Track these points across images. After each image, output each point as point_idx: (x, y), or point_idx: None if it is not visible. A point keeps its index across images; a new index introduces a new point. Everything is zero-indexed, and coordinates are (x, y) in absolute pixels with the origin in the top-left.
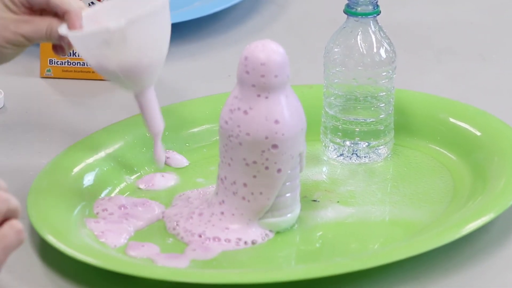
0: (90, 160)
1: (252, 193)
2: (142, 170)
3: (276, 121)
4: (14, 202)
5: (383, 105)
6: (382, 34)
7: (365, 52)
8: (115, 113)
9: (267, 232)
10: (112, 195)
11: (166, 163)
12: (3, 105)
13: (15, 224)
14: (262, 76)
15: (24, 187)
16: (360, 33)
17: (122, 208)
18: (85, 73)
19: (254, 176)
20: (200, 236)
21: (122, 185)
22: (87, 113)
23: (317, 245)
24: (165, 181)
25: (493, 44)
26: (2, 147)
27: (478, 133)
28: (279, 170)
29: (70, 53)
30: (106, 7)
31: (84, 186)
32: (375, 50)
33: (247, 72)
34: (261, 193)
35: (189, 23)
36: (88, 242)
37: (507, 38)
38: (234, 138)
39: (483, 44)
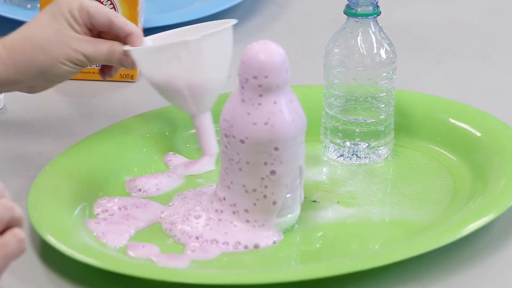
0: (91, 160)
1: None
2: (142, 171)
3: (276, 122)
4: (18, 210)
5: (383, 105)
6: (382, 35)
7: (365, 52)
8: (116, 113)
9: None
10: (112, 195)
11: (192, 171)
12: (3, 106)
13: (17, 233)
14: (263, 76)
15: (24, 188)
16: (360, 33)
17: (123, 209)
18: (86, 74)
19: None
20: (197, 238)
21: (122, 186)
22: (88, 113)
23: (317, 245)
24: (166, 182)
25: (493, 45)
26: (2, 147)
27: (478, 134)
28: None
29: None
30: (163, 36)
31: (84, 187)
32: (375, 50)
33: (247, 73)
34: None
35: (189, 23)
36: (88, 242)
37: (507, 39)
38: (234, 139)
39: (483, 45)
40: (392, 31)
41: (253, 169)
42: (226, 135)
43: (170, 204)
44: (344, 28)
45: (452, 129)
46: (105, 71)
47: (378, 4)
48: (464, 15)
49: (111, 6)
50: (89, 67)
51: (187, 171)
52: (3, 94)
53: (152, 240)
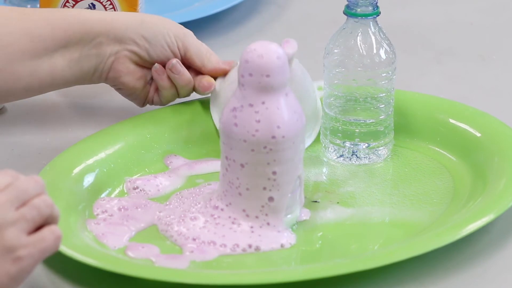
0: (90, 161)
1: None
2: (142, 171)
3: (276, 123)
4: (56, 209)
5: (382, 106)
6: (382, 35)
7: (364, 53)
8: (116, 114)
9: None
10: (112, 196)
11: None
12: (3, 106)
13: (55, 230)
14: (262, 77)
15: None
16: (359, 34)
17: (122, 210)
18: None
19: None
20: (194, 239)
21: (122, 186)
22: (88, 114)
23: (317, 245)
24: (167, 182)
25: (493, 45)
26: (2, 148)
27: (478, 134)
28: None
29: None
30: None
31: (84, 187)
32: (374, 51)
33: (247, 74)
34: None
35: (189, 24)
36: (88, 243)
37: (507, 39)
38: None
39: (483, 45)
40: (391, 31)
41: (254, 172)
42: (227, 136)
43: (167, 203)
44: (343, 28)
45: (452, 130)
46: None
47: (378, 4)
48: (463, 15)
49: (111, 6)
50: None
51: (189, 171)
52: None
53: (151, 240)
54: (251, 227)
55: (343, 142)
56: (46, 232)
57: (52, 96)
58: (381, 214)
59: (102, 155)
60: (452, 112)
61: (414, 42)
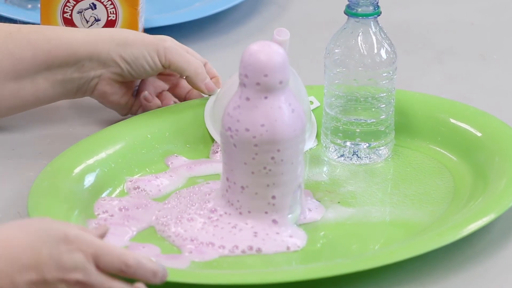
0: (91, 161)
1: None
2: (143, 171)
3: (275, 122)
4: None
5: (383, 106)
6: (383, 35)
7: (365, 53)
8: (116, 114)
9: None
10: (113, 196)
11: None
12: None
13: None
14: (263, 77)
15: (25, 188)
16: (360, 34)
17: (123, 210)
18: None
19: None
20: (192, 240)
21: (123, 186)
22: (88, 114)
23: (318, 245)
24: (168, 182)
25: (494, 45)
26: (2, 148)
27: (479, 134)
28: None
29: None
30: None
31: (85, 187)
32: (375, 51)
33: (247, 74)
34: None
35: (190, 24)
36: None
37: (508, 39)
38: (234, 139)
39: (484, 45)
40: (392, 31)
41: (255, 172)
42: (231, 136)
43: (166, 202)
44: (344, 28)
45: (452, 129)
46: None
47: (379, 4)
48: (464, 15)
49: (112, 6)
50: None
51: (190, 172)
52: None
53: (152, 240)
54: (253, 227)
55: (344, 142)
56: None
57: None
58: (381, 214)
59: (102, 155)
60: (452, 112)
61: (415, 41)
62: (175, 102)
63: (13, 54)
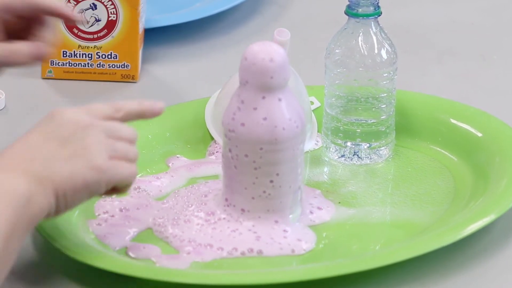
0: None
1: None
2: (144, 172)
3: (275, 122)
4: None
5: (384, 106)
6: (383, 35)
7: (366, 53)
8: None
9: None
10: (113, 196)
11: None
12: (5, 106)
13: (134, 168)
14: (262, 77)
15: None
16: (361, 34)
17: (124, 210)
18: (86, 74)
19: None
20: (190, 242)
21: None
22: None
23: (319, 246)
24: (168, 182)
25: (494, 45)
26: (3, 148)
27: (479, 134)
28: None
29: (71, 54)
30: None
31: None
32: (376, 51)
33: (247, 74)
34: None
35: (190, 24)
36: (89, 243)
37: (508, 39)
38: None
39: (484, 45)
40: (392, 31)
41: (256, 171)
42: (228, 137)
43: (165, 201)
44: (345, 28)
45: (453, 130)
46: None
47: (379, 4)
48: (464, 15)
49: (112, 6)
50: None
51: (191, 173)
52: (4, 95)
53: (153, 241)
54: (255, 230)
55: (345, 142)
56: (126, 164)
57: (53, 96)
58: (382, 214)
59: None
60: (453, 112)
61: (415, 42)
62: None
63: None
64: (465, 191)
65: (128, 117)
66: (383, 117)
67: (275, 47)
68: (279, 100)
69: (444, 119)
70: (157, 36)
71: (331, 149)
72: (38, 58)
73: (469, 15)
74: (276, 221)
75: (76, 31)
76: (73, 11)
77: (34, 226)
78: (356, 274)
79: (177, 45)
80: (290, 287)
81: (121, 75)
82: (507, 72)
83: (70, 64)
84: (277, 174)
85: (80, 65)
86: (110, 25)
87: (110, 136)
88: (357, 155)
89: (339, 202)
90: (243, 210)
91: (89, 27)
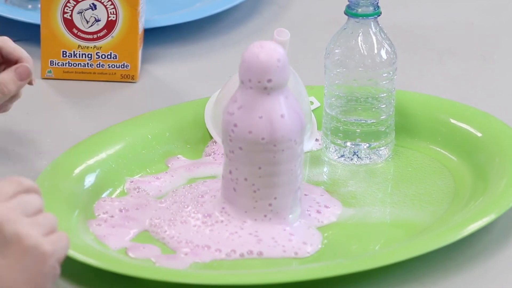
0: (91, 161)
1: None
2: (143, 172)
3: (275, 122)
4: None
5: (384, 106)
6: (383, 35)
7: (365, 53)
8: (116, 114)
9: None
10: (113, 196)
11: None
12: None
13: (64, 233)
14: (262, 77)
15: None
16: (360, 34)
17: (123, 210)
18: (86, 74)
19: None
20: (187, 243)
21: (123, 187)
22: (88, 114)
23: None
24: (168, 182)
25: (494, 45)
26: (3, 148)
27: (479, 134)
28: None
29: (71, 54)
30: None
31: (85, 188)
32: (375, 51)
33: (248, 74)
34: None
35: (190, 24)
36: (89, 243)
37: (508, 39)
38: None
39: (484, 45)
40: (392, 31)
41: (256, 170)
42: (230, 137)
43: (163, 200)
44: (344, 28)
45: (452, 130)
46: None
47: (379, 4)
48: (464, 15)
49: (112, 6)
50: None
51: (190, 173)
52: None
53: (152, 241)
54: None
55: (344, 142)
56: (59, 233)
57: (52, 96)
58: (382, 214)
59: (103, 155)
60: (453, 112)
61: (415, 42)
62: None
63: None
64: (464, 191)
65: (30, 190)
66: (383, 117)
67: (275, 47)
68: (278, 100)
69: (444, 119)
70: (157, 36)
71: (330, 149)
72: (26, 77)
73: (469, 15)
74: (275, 221)
75: (75, 31)
76: (31, 65)
77: None
78: (356, 274)
79: (177, 45)
80: (291, 287)
81: (121, 75)
82: (507, 72)
83: (70, 64)
84: (276, 172)
85: (79, 65)
86: (110, 25)
87: (28, 214)
88: (357, 155)
89: None
90: (244, 186)
91: (89, 27)
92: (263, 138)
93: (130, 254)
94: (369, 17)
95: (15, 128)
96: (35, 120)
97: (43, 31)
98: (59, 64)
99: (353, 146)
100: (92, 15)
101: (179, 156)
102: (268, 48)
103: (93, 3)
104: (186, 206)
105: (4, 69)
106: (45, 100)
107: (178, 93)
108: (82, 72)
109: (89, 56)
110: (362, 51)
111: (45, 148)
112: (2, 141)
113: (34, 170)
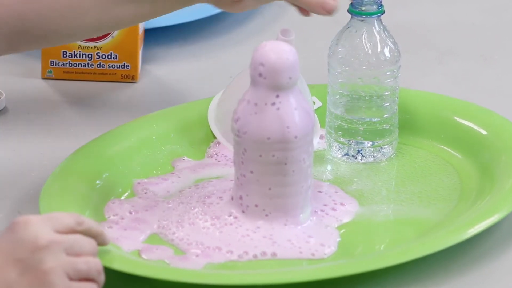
0: (99, 163)
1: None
2: (150, 173)
3: (286, 122)
4: (103, 277)
5: (387, 104)
6: (387, 34)
7: (369, 51)
8: (116, 114)
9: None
10: (122, 198)
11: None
12: (4, 107)
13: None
14: (275, 76)
15: (26, 188)
16: (364, 32)
17: (133, 213)
18: (86, 74)
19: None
20: (197, 244)
21: (131, 189)
22: (88, 114)
23: None
24: (175, 183)
25: (495, 45)
26: (3, 148)
27: (483, 132)
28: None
29: (71, 54)
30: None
31: (94, 190)
32: (379, 49)
33: (261, 73)
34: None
35: (190, 24)
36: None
37: (509, 39)
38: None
39: (485, 45)
40: (394, 31)
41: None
42: (237, 136)
43: (170, 201)
44: (348, 27)
45: (456, 127)
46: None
47: (382, 3)
48: (466, 15)
49: None
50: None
51: (197, 174)
52: (4, 95)
53: (164, 242)
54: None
55: (348, 141)
56: (88, 284)
57: (53, 96)
58: (389, 212)
59: (110, 157)
60: (456, 110)
61: (416, 42)
62: None
63: None
64: (471, 187)
65: (88, 233)
66: (387, 115)
67: (286, 46)
68: (289, 98)
69: (448, 116)
70: (157, 36)
71: (334, 147)
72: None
73: (470, 16)
74: (287, 221)
75: None
76: None
77: None
78: (358, 274)
79: (177, 45)
80: (296, 287)
81: (121, 75)
82: (508, 72)
83: (70, 65)
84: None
85: (80, 65)
86: None
87: (70, 253)
88: (361, 153)
89: None
90: (256, 206)
91: None
92: (275, 137)
93: (144, 256)
94: (373, 16)
95: (15, 128)
96: (36, 120)
97: None
98: (60, 64)
99: (357, 145)
100: None
101: (184, 157)
102: (279, 47)
103: None
104: (192, 208)
105: None
106: (46, 100)
107: (178, 93)
108: (83, 73)
109: (90, 56)
110: (366, 49)
111: (46, 148)
112: (3, 141)
113: (35, 170)
